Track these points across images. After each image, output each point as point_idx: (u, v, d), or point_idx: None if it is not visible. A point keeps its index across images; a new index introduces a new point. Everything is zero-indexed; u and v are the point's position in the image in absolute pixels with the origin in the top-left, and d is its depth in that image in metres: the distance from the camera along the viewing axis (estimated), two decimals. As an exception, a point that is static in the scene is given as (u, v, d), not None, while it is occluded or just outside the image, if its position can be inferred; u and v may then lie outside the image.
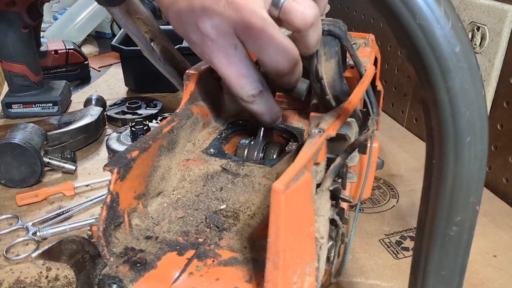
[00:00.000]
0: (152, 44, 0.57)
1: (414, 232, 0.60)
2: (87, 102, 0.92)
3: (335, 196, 0.35)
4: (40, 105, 0.92)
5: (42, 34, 1.18)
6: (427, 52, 0.21)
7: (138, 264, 0.33)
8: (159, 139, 0.41)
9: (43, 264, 0.54)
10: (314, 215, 0.32)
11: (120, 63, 1.11)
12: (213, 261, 0.34)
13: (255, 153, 0.46)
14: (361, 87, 0.42)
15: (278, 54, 0.41)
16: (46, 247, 0.29)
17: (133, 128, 0.76)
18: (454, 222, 0.26)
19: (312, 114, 0.37)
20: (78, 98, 1.03)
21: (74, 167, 0.73)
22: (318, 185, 0.33)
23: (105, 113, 0.89)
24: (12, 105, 0.92)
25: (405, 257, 0.56)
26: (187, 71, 0.48)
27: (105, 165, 0.35)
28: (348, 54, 0.46)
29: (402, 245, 0.58)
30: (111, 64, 1.25)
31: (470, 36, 0.70)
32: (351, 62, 0.47)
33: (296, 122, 0.51)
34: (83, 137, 0.80)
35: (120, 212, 0.35)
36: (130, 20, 0.55)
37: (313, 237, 0.32)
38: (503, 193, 0.68)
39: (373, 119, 0.37)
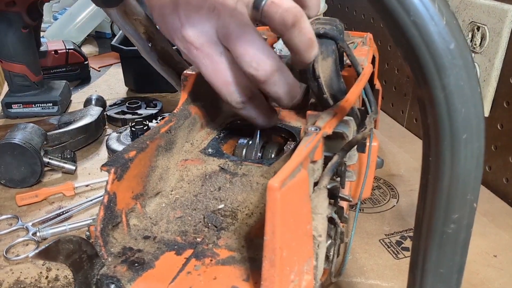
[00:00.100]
0: (150, 45, 0.57)
1: (414, 232, 0.60)
2: (87, 102, 0.92)
3: (333, 194, 0.35)
4: (40, 105, 0.92)
5: (42, 34, 1.18)
6: (422, 49, 0.21)
7: (136, 264, 0.33)
8: (156, 139, 0.41)
9: (43, 265, 0.54)
10: (312, 213, 0.32)
11: (120, 63, 1.11)
12: (211, 260, 0.34)
13: (253, 152, 0.46)
14: (359, 85, 0.42)
15: (253, 61, 0.40)
16: (43, 247, 0.29)
17: (133, 128, 0.76)
18: (452, 220, 0.26)
19: (308, 112, 0.37)
20: (78, 98, 1.03)
21: (74, 167, 0.73)
22: (316, 184, 0.33)
23: (105, 113, 0.89)
24: (12, 105, 0.92)
25: (405, 257, 0.56)
26: (184, 71, 0.48)
27: (102, 165, 0.35)
28: (345, 53, 0.46)
29: (402, 245, 0.58)
30: (111, 64, 1.25)
31: (470, 36, 0.70)
32: (349, 61, 0.47)
33: (294, 121, 0.51)
34: (83, 137, 0.80)
35: (117, 212, 0.35)
36: (127, 21, 0.55)
37: (310, 235, 0.32)
38: (503, 193, 0.68)
39: (370, 117, 0.37)
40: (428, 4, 0.20)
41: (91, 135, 0.82)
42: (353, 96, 0.40)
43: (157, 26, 0.44)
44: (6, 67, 0.90)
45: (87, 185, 0.70)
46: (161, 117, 0.89)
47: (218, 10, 0.40)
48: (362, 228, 0.61)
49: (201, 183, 0.42)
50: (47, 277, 0.52)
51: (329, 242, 0.36)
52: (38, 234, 0.59)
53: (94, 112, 0.84)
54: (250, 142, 0.47)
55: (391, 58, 0.92)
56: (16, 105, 0.92)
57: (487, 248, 0.57)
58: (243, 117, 0.46)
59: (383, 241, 0.59)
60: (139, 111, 0.91)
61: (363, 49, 0.59)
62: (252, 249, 0.34)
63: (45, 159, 0.71)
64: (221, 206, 0.39)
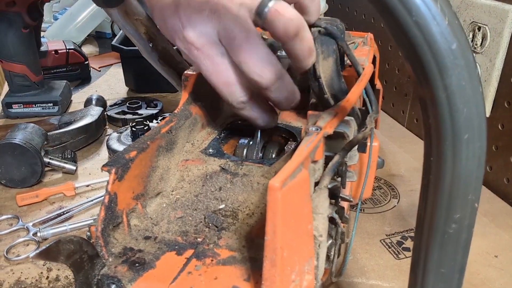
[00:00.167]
0: (150, 45, 0.57)
1: (415, 232, 0.60)
2: (88, 102, 0.92)
3: (334, 194, 0.35)
4: (41, 105, 0.92)
5: (42, 34, 1.18)
6: (424, 49, 0.21)
7: (137, 264, 0.33)
8: (157, 140, 0.41)
9: (43, 265, 0.54)
10: (313, 213, 0.32)
11: (120, 63, 1.11)
12: (212, 260, 0.34)
13: (254, 152, 0.46)
14: (359, 85, 0.42)
15: (257, 69, 0.40)
16: (44, 247, 0.29)
17: (133, 128, 0.76)
18: (453, 220, 0.26)
19: (309, 112, 0.37)
20: (78, 98, 1.03)
21: (74, 167, 0.73)
22: (317, 184, 0.33)
23: (105, 113, 0.89)
24: (13, 105, 0.92)
25: (406, 257, 0.56)
26: (185, 71, 0.48)
27: (103, 165, 0.35)
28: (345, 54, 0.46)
29: (403, 246, 0.58)
30: (112, 64, 1.25)
31: (471, 36, 0.70)
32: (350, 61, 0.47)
33: (295, 121, 0.51)
34: (84, 137, 0.80)
35: (118, 212, 0.35)
36: (128, 21, 0.55)
37: (311, 235, 0.32)
38: (504, 193, 0.68)
39: (371, 117, 0.37)
40: (430, 4, 0.20)
41: (92, 135, 0.82)
42: (354, 96, 0.39)
43: (158, 27, 0.44)
44: (6, 67, 0.90)
45: (87, 185, 0.70)
46: (161, 117, 0.89)
47: (220, 13, 0.40)
48: (363, 228, 0.61)
49: (202, 183, 0.42)
50: (47, 277, 0.52)
51: (330, 242, 0.36)
52: (38, 234, 0.59)
53: (95, 112, 0.84)
54: (251, 142, 0.47)
55: (391, 58, 0.92)
56: (17, 105, 0.92)
57: (488, 248, 0.57)
58: (243, 118, 0.46)
59: (384, 241, 0.59)
60: (139, 111, 0.91)
61: (364, 49, 0.59)
62: (253, 249, 0.34)
63: (46, 159, 0.71)
64: (222, 206, 0.39)
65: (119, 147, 0.75)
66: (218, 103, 0.52)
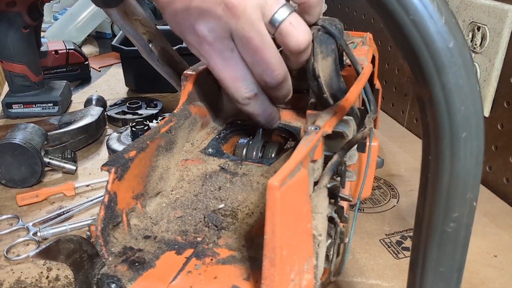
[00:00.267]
0: (150, 45, 0.57)
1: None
2: (88, 102, 0.92)
3: (333, 194, 0.35)
4: (41, 105, 0.93)
5: (42, 34, 1.18)
6: (421, 48, 0.21)
7: (137, 263, 0.33)
8: (157, 139, 0.41)
9: (43, 264, 0.54)
10: (312, 213, 0.32)
11: (120, 63, 1.11)
12: (212, 259, 0.34)
13: (254, 152, 0.46)
14: (358, 85, 0.42)
15: (270, 70, 0.42)
16: (44, 246, 0.29)
17: (133, 128, 0.76)
18: (452, 219, 0.26)
19: (308, 112, 0.37)
20: (78, 98, 1.03)
21: (74, 167, 0.73)
22: (316, 183, 0.33)
23: (105, 113, 0.89)
24: (13, 105, 0.92)
25: (406, 257, 0.56)
26: (185, 71, 0.48)
27: (103, 165, 0.35)
28: (344, 53, 0.46)
29: (403, 245, 0.58)
30: (112, 64, 1.25)
31: (470, 36, 0.70)
32: (349, 61, 0.47)
33: (294, 121, 0.52)
34: (84, 137, 0.80)
35: (118, 212, 0.35)
36: (127, 22, 0.55)
37: (310, 234, 0.32)
38: (503, 193, 0.68)
39: (370, 116, 0.37)
40: (427, 2, 0.21)
41: (92, 135, 0.82)
42: (353, 96, 0.40)
43: (167, 21, 0.44)
44: (6, 67, 0.90)
45: (87, 185, 0.70)
46: (161, 117, 0.89)
47: (237, 12, 0.40)
48: (362, 228, 0.61)
49: (202, 182, 0.42)
50: (47, 277, 0.52)
51: (329, 241, 0.36)
52: (38, 234, 0.59)
53: (95, 112, 0.84)
54: (251, 142, 0.47)
55: (391, 58, 0.92)
56: (17, 105, 0.92)
57: (487, 248, 0.57)
58: (246, 114, 0.47)
59: (383, 241, 0.59)
60: (139, 111, 0.91)
61: (363, 48, 0.59)
62: (252, 248, 0.34)
63: (46, 159, 0.71)
64: (222, 205, 0.39)
65: (119, 147, 0.75)
66: (217, 103, 0.52)
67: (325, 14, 1.07)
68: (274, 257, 0.27)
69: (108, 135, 0.82)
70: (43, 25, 1.13)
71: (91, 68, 1.19)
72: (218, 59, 0.43)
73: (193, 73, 0.47)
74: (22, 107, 0.92)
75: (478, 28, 0.68)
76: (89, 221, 0.62)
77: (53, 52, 1.10)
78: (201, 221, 0.38)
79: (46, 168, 0.72)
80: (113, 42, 1.03)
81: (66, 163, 0.73)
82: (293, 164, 0.28)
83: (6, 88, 1.01)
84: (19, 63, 0.89)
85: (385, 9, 0.21)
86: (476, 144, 0.23)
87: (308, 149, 0.31)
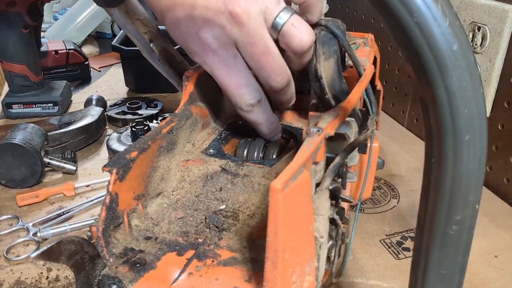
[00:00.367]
0: (151, 45, 0.57)
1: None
2: (88, 102, 0.92)
3: (335, 195, 0.35)
4: (41, 105, 0.92)
5: (42, 34, 1.18)
6: (424, 50, 0.21)
7: (138, 265, 0.33)
8: (158, 140, 0.41)
9: (43, 265, 0.54)
10: (314, 215, 0.32)
11: (120, 63, 1.11)
12: (213, 261, 0.34)
13: (255, 153, 0.46)
14: (360, 86, 0.42)
15: (275, 75, 0.43)
16: (45, 247, 0.29)
17: (133, 129, 0.76)
18: (454, 221, 0.26)
19: (310, 113, 0.37)
20: (78, 98, 1.03)
21: (74, 168, 0.73)
22: (318, 185, 0.33)
23: (105, 113, 0.89)
24: (13, 105, 0.92)
25: (406, 257, 0.56)
26: (186, 72, 0.48)
27: (104, 166, 0.35)
28: (346, 54, 0.46)
29: (403, 246, 0.58)
30: (112, 64, 1.25)
31: (471, 36, 0.70)
32: (350, 62, 0.47)
33: (296, 122, 0.51)
34: (84, 137, 0.80)
35: (119, 212, 0.35)
36: (129, 21, 0.54)
37: (312, 236, 0.32)
38: (504, 193, 0.68)
39: (372, 118, 0.37)
40: (431, 4, 0.20)
41: (92, 135, 0.82)
42: (355, 97, 0.40)
43: (168, 30, 0.44)
44: (6, 67, 0.89)
45: (87, 186, 0.70)
46: (161, 117, 0.89)
47: (241, 19, 0.40)
48: (362, 228, 0.61)
49: (203, 183, 0.42)
50: (47, 277, 0.52)
51: (330, 243, 0.36)
52: (38, 234, 0.59)
53: (95, 112, 0.84)
54: (252, 143, 0.47)
55: (392, 58, 0.92)
56: (17, 105, 0.92)
57: (488, 249, 0.57)
58: (248, 122, 0.47)
59: (383, 241, 0.59)
60: (139, 111, 0.91)
61: (365, 49, 0.59)
62: (254, 250, 0.34)
63: (46, 160, 0.71)
64: (223, 206, 0.39)
65: (119, 147, 0.75)
66: (219, 103, 0.52)
67: (326, 15, 1.07)
68: (276, 259, 0.27)
69: (108, 135, 0.82)
70: (43, 25, 1.13)
71: (91, 68, 1.19)
72: (222, 66, 0.43)
73: (195, 73, 0.47)
74: (22, 107, 0.92)
75: (479, 28, 0.68)
76: (89, 222, 0.62)
77: (53, 52, 1.09)
78: (202, 222, 0.38)
79: (46, 168, 0.72)
80: (113, 42, 1.03)
81: (66, 163, 0.73)
82: (295, 166, 0.28)
83: (6, 88, 1.01)
84: (19, 63, 0.89)
85: (389, 11, 0.21)
86: (479, 146, 0.23)
87: (311, 151, 0.31)
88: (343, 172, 0.36)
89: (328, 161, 0.34)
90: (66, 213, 0.64)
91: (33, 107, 0.92)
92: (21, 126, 0.71)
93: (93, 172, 0.74)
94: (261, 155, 0.46)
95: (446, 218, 0.26)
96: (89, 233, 0.34)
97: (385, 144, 0.84)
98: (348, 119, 0.38)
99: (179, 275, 0.32)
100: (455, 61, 0.21)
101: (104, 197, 0.34)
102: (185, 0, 0.42)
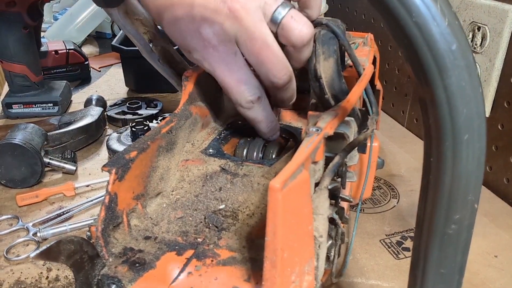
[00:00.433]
0: (151, 45, 0.57)
1: (415, 232, 0.60)
2: (88, 102, 0.92)
3: (334, 195, 0.35)
4: (41, 105, 0.92)
5: (42, 34, 1.18)
6: (423, 50, 0.21)
7: (137, 264, 0.33)
8: (157, 140, 0.41)
9: (43, 265, 0.54)
10: (313, 214, 0.32)
11: (120, 63, 1.11)
12: (212, 260, 0.34)
13: (254, 153, 0.46)
14: (360, 86, 0.42)
15: (275, 70, 0.43)
16: (45, 247, 0.29)
17: (133, 128, 0.76)
18: (453, 221, 0.26)
19: (310, 113, 0.37)
20: (78, 98, 1.03)
21: (74, 168, 0.73)
22: (317, 184, 0.33)
23: (105, 113, 0.89)
24: (13, 105, 0.92)
25: (406, 257, 0.56)
26: (185, 72, 0.48)
27: (103, 166, 0.35)
28: (346, 53, 0.46)
29: (403, 246, 0.58)
30: (112, 64, 1.25)
31: (471, 36, 0.70)
32: (350, 62, 0.47)
33: (295, 121, 0.52)
34: (84, 137, 0.80)
35: (118, 212, 0.35)
36: (128, 21, 0.54)
37: (311, 235, 0.32)
38: (504, 193, 0.68)
39: (372, 118, 0.37)
40: (430, 4, 0.20)
41: (92, 135, 0.82)
42: (355, 97, 0.40)
43: (166, 30, 0.44)
44: (6, 67, 0.90)
45: (87, 186, 0.70)
46: (161, 117, 0.89)
47: (240, 14, 0.40)
48: (362, 228, 0.61)
49: (202, 183, 0.42)
50: (47, 277, 0.52)
51: (330, 242, 0.36)
52: (38, 234, 0.59)
53: (95, 112, 0.84)
54: (251, 143, 0.47)
55: (391, 58, 0.92)
56: (17, 105, 0.92)
57: (488, 248, 0.57)
58: (248, 120, 0.46)
59: (383, 241, 0.59)
60: (139, 111, 0.91)
61: (364, 49, 0.59)
62: (253, 249, 0.34)
63: (46, 160, 0.71)
64: (222, 206, 0.39)
65: (119, 147, 0.75)
66: (218, 103, 0.52)
67: (325, 14, 1.07)
68: (275, 259, 0.27)
69: (108, 135, 0.82)
70: (43, 25, 1.13)
71: (91, 68, 1.19)
72: (222, 63, 0.43)
73: (194, 73, 0.47)
74: (22, 107, 0.92)
75: (479, 28, 0.68)
76: (89, 222, 0.62)
77: (53, 52, 1.09)
78: (201, 222, 0.38)
79: (46, 168, 0.72)
80: (113, 42, 1.03)
81: (66, 163, 0.73)
82: (294, 165, 0.28)
83: (6, 88, 1.01)
84: (19, 63, 0.89)
85: (388, 11, 0.21)
86: (478, 146, 0.23)
87: (310, 151, 0.31)
88: (342, 171, 0.36)
89: (328, 160, 0.34)
90: (66, 213, 0.64)
91: (33, 107, 0.92)
92: (21, 126, 0.71)
93: (93, 172, 0.74)
94: (260, 154, 0.46)
95: (445, 218, 0.26)
96: (88, 233, 0.34)
97: (385, 144, 0.84)
98: (347, 118, 0.38)
99: (178, 274, 0.32)
100: (454, 61, 0.21)
101: (103, 197, 0.34)
102: None
